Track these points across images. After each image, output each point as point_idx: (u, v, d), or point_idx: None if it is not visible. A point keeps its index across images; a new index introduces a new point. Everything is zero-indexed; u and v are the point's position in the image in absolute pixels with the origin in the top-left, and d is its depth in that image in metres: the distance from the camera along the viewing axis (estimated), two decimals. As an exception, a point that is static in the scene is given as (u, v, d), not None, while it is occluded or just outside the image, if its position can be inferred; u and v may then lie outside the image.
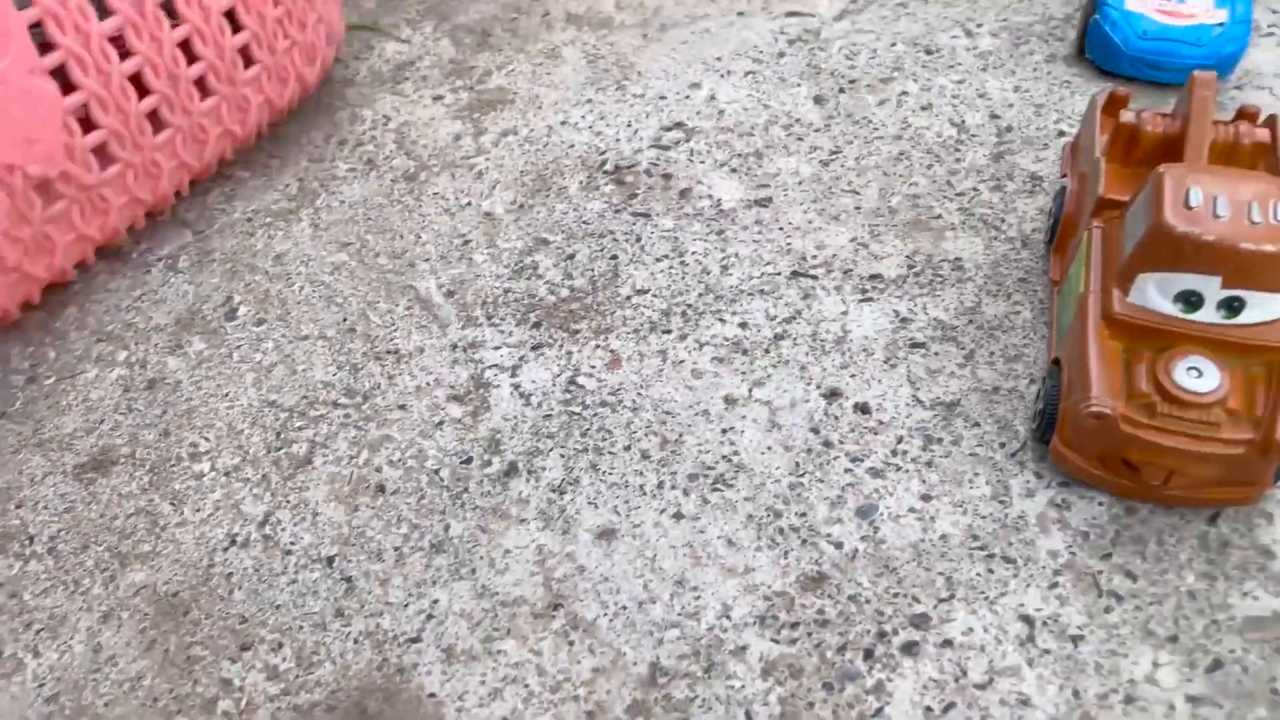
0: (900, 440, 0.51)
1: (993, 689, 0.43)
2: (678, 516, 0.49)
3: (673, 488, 0.50)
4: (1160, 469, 0.45)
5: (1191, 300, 0.45)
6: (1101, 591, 0.46)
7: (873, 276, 0.58)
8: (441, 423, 0.53)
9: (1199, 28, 0.66)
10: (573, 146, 0.66)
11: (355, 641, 0.46)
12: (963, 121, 0.67)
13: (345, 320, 0.58)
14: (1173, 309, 0.45)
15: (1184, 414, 0.44)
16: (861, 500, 0.49)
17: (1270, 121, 0.52)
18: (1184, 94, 0.52)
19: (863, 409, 0.52)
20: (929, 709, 0.43)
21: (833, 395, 0.53)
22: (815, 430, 0.52)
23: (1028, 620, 0.45)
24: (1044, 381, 0.50)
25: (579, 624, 0.46)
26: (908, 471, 0.50)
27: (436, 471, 0.51)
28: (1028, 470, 0.50)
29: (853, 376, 0.54)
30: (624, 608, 0.46)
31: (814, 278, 0.58)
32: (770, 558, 0.47)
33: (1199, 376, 0.44)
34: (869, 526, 0.48)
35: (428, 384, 0.54)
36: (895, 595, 0.46)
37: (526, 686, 0.44)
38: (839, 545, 0.48)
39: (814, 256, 0.59)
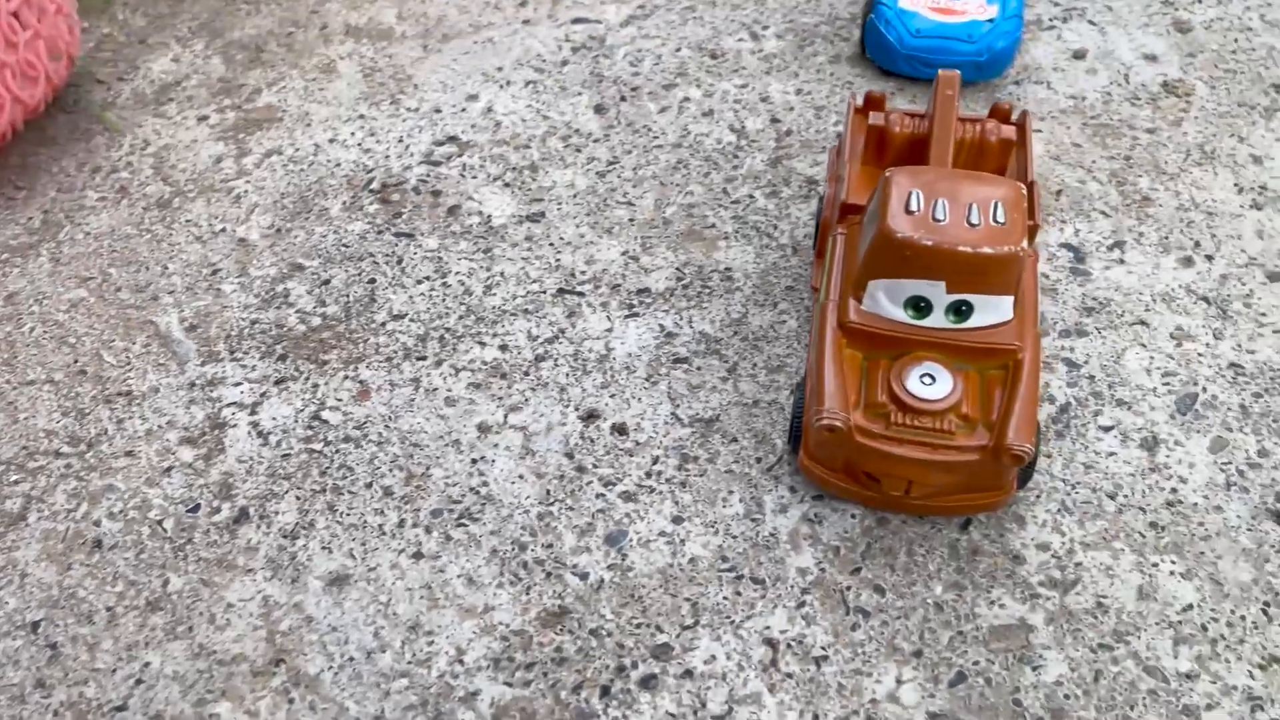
0: (656, 461, 0.49)
1: (731, 719, 0.42)
2: (417, 556, 0.46)
3: (414, 525, 0.47)
4: (899, 479, 0.44)
5: (920, 306, 0.44)
6: (849, 608, 0.45)
7: (640, 291, 0.56)
8: (170, 468, 0.49)
9: (970, 24, 0.65)
10: (339, 165, 0.63)
11: (55, 714, 0.42)
12: (743, 127, 0.65)
13: (76, 362, 0.54)
14: (903, 315, 0.44)
15: (918, 422, 0.43)
16: (611, 527, 0.47)
17: (1021, 118, 0.51)
18: (931, 93, 0.51)
19: (620, 430, 0.51)
20: (663, 746, 0.41)
21: (590, 417, 0.51)
22: (569, 455, 0.50)
23: (772, 644, 0.44)
24: (794, 393, 0.48)
25: (301, 680, 0.43)
26: (661, 493, 0.48)
27: (160, 522, 0.48)
28: (782, 485, 0.48)
29: (612, 396, 0.52)
30: (351, 659, 0.43)
31: (581, 294, 0.56)
32: (511, 594, 0.45)
33: (931, 383, 0.43)
34: (617, 554, 0.46)
35: (159, 427, 0.51)
36: (638, 626, 0.44)
37: (239, 752, 0.41)
38: (584, 576, 0.46)
39: (583, 272, 0.57)
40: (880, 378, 0.44)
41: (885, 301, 0.44)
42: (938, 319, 0.44)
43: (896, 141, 0.51)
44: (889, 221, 0.42)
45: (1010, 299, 0.43)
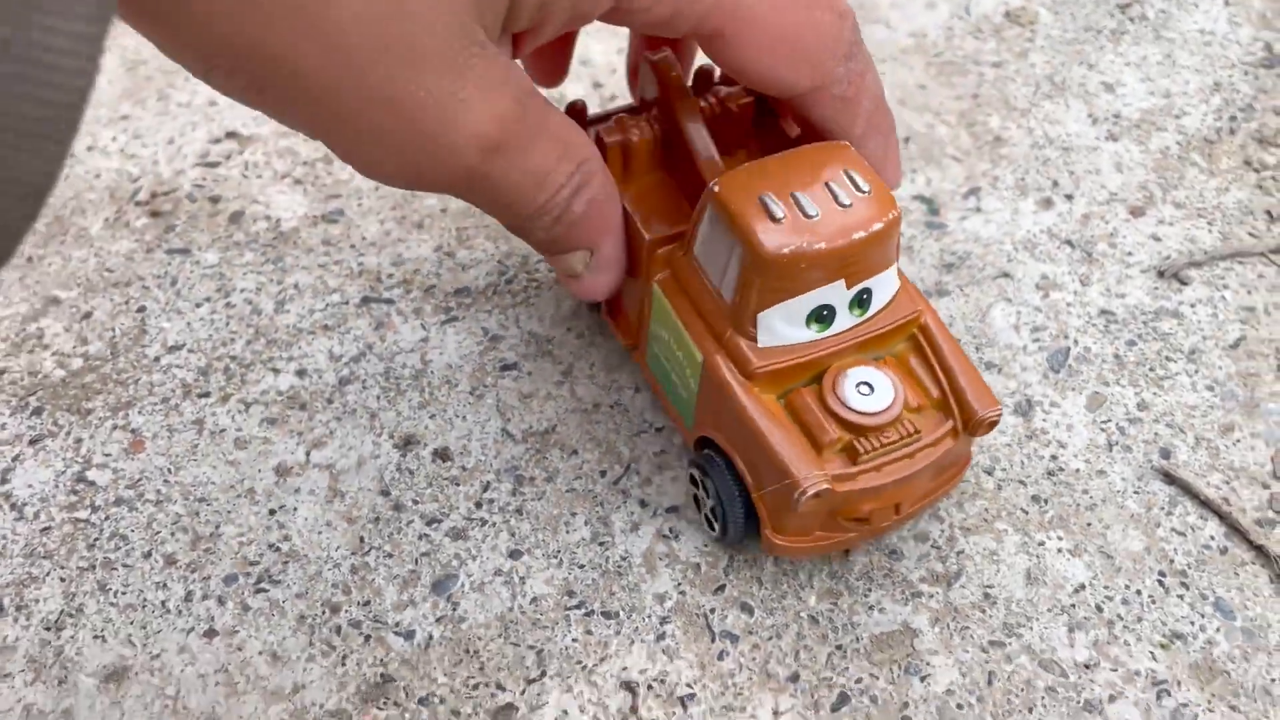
0: (487, 487, 0.43)
1: (589, 786, 0.36)
2: (210, 634, 0.39)
3: (205, 597, 0.40)
4: (888, 508, 0.38)
5: (824, 315, 0.37)
6: (714, 634, 0.39)
7: (458, 291, 0.50)
8: (-99, 562, 0.41)
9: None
10: (98, 176, 0.55)
11: None
12: (560, 95, 0.59)
13: None
14: (808, 333, 0.37)
15: (884, 440, 0.37)
16: (439, 571, 0.41)
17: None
18: (643, 81, 0.43)
19: (443, 455, 0.44)
20: (512, 829, 0.35)
21: (408, 444, 0.44)
22: (385, 492, 0.43)
23: (631, 688, 0.38)
24: (696, 472, 0.41)
25: (72, 806, 0.36)
26: (495, 525, 0.42)
27: (-112, 631, 0.39)
28: (631, 500, 0.43)
29: (432, 417, 0.45)
30: (134, 771, 0.36)
31: (389, 301, 0.49)
32: (324, 668, 0.38)
33: (871, 392, 0.37)
34: (447, 604, 0.40)
35: (-113, 512, 0.42)
36: (476, 687, 0.38)
37: None
38: (409, 635, 0.39)
39: (390, 275, 0.50)
40: (814, 411, 0.37)
41: (785, 328, 0.37)
42: (843, 320, 0.38)
43: (641, 152, 0.42)
44: (763, 241, 0.35)
45: (895, 266, 0.38)
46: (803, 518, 0.37)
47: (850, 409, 0.37)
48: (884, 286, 0.38)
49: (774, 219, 0.35)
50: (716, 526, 0.40)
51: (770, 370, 0.37)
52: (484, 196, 0.34)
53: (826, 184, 0.36)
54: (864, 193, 0.36)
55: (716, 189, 0.36)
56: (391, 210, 0.53)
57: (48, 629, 0.39)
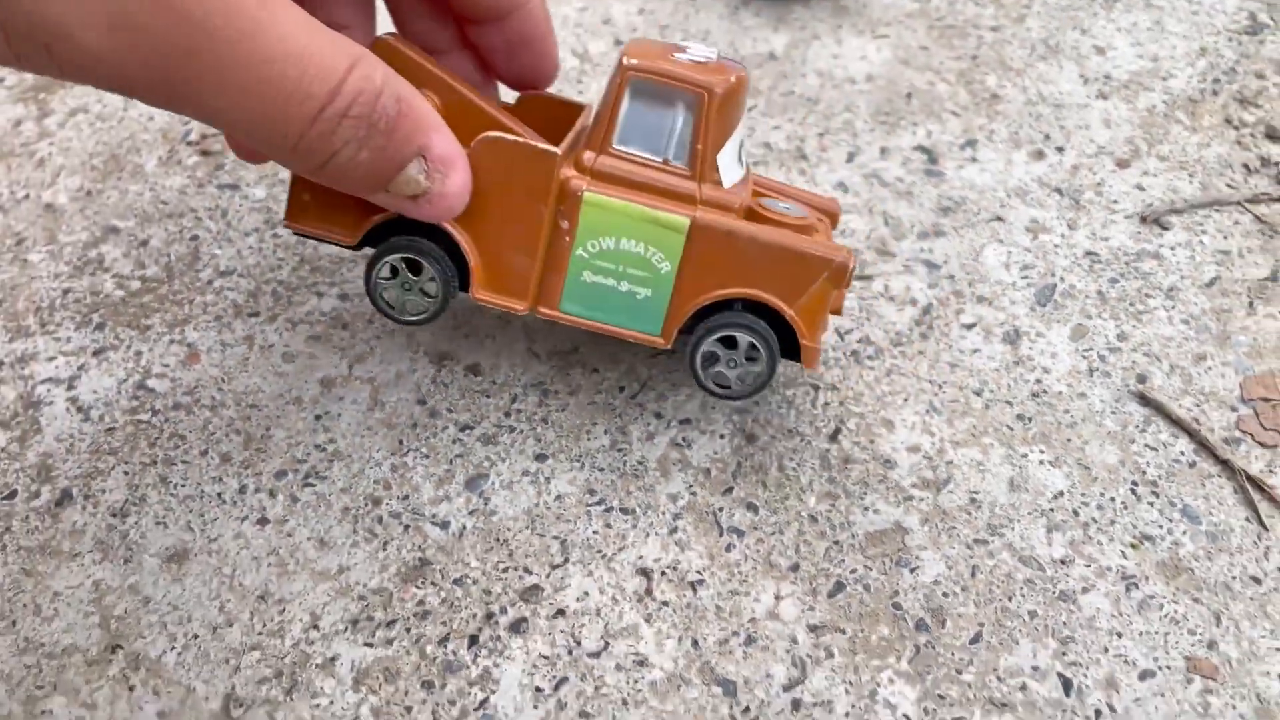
0: (515, 399, 0.47)
1: (608, 654, 0.40)
2: (262, 522, 0.43)
3: (257, 490, 0.44)
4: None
5: (739, 152, 0.42)
6: (722, 530, 0.43)
7: (487, 225, 0.53)
8: (-20, 455, 0.45)
9: (809, -69, 0.63)
10: (152, 119, 0.59)
11: None
12: (585, 50, 0.63)
13: None
14: (741, 169, 0.42)
15: (822, 235, 0.42)
16: (471, 471, 0.45)
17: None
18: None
19: (474, 370, 0.48)
20: (539, 690, 0.39)
21: (442, 360, 0.48)
22: (422, 402, 0.47)
23: (646, 573, 0.42)
24: (720, 336, 0.41)
25: (141, 664, 0.39)
26: (522, 432, 0.46)
27: (-29, 513, 0.43)
28: (648, 412, 0.46)
29: (465, 337, 0.49)
30: (196, 637, 0.40)
31: (423, 234, 0.53)
32: (367, 552, 0.42)
33: (790, 207, 0.43)
34: (479, 499, 0.44)
35: (-35, 412, 0.46)
36: (505, 570, 0.42)
37: (75, 750, 0.38)
38: (445, 525, 0.43)
39: (424, 211, 0.54)
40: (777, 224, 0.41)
41: (731, 167, 0.40)
42: (741, 160, 0.42)
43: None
44: (709, 82, 0.38)
45: None
46: (823, 311, 0.40)
47: (793, 217, 0.41)
48: None
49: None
50: (742, 375, 0.41)
51: (745, 205, 0.40)
52: (311, 142, 0.32)
53: (684, 53, 0.40)
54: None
55: (634, 63, 0.38)
56: (425, 154, 0.57)
57: (114, 515, 0.43)
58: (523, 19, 0.41)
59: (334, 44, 0.31)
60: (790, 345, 0.41)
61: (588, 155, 0.39)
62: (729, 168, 0.40)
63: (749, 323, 0.40)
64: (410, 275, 0.41)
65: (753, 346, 0.41)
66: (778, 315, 0.41)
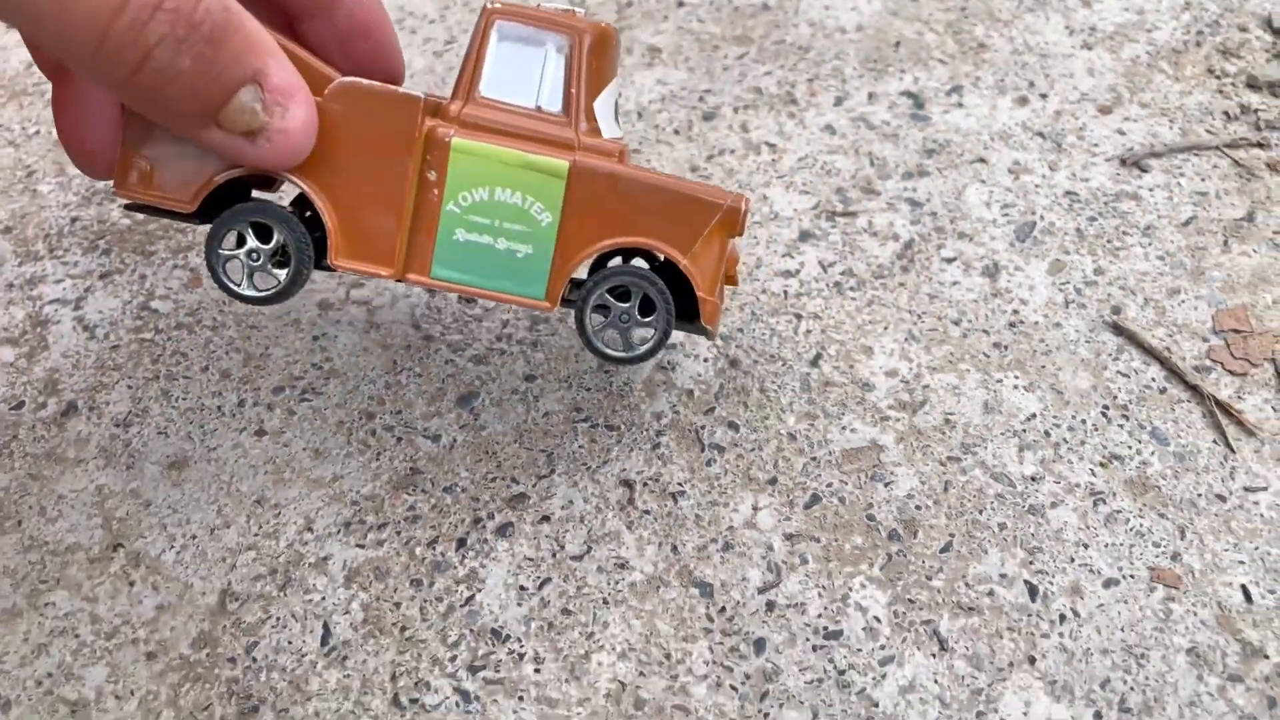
0: (505, 325, 0.48)
1: (590, 558, 0.41)
2: (260, 433, 0.45)
3: (255, 404, 0.46)
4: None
5: (618, 111, 0.40)
6: (704, 446, 0.44)
7: (483, 163, 0.55)
8: (-11, 369, 0.47)
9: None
10: (159, 61, 0.60)
11: (-127, 621, 0.40)
12: (586, 2, 0.64)
13: (-120, 272, 0.50)
14: (618, 129, 0.40)
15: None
16: (462, 389, 0.46)
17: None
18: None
19: (468, 300, 0.49)
20: (523, 588, 0.40)
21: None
22: (416, 326, 0.48)
23: (628, 484, 0.43)
24: (613, 285, 0.38)
25: (141, 562, 0.41)
26: (512, 354, 0.47)
27: (-20, 422, 0.45)
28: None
29: (458, 266, 0.50)
30: (194, 537, 0.42)
31: (421, 171, 0.55)
32: (361, 462, 0.44)
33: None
34: (469, 414, 0.45)
35: (-25, 329, 0.48)
36: (493, 480, 0.43)
37: (77, 636, 0.39)
38: (436, 438, 0.45)
39: (422, 149, 0.55)
40: None
41: (608, 124, 0.38)
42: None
43: None
44: (584, 26, 0.36)
45: None
46: (721, 267, 0.37)
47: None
48: None
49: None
50: (638, 335, 0.38)
51: (625, 153, 0.37)
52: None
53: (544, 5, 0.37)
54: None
55: (498, 5, 0.36)
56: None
57: (117, 425, 0.45)
58: (352, 5, 0.38)
59: None
60: (685, 306, 0.38)
61: (454, 105, 0.36)
62: (606, 122, 0.37)
63: (641, 273, 0.37)
64: (259, 243, 0.36)
65: (646, 300, 0.37)
66: (671, 270, 0.38)
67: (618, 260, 0.41)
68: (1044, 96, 0.58)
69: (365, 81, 0.35)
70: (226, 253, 0.36)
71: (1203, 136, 0.55)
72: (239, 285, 0.37)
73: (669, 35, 0.61)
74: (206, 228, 0.36)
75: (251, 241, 0.36)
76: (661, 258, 0.40)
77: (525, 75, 0.36)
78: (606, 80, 0.37)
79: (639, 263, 0.41)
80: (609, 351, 0.38)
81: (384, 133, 0.35)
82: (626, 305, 0.37)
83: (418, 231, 0.36)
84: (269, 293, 0.37)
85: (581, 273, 0.40)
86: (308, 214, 0.37)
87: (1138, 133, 0.56)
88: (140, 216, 0.52)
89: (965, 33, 0.61)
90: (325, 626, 0.39)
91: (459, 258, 0.37)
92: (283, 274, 0.36)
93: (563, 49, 0.36)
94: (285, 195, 0.43)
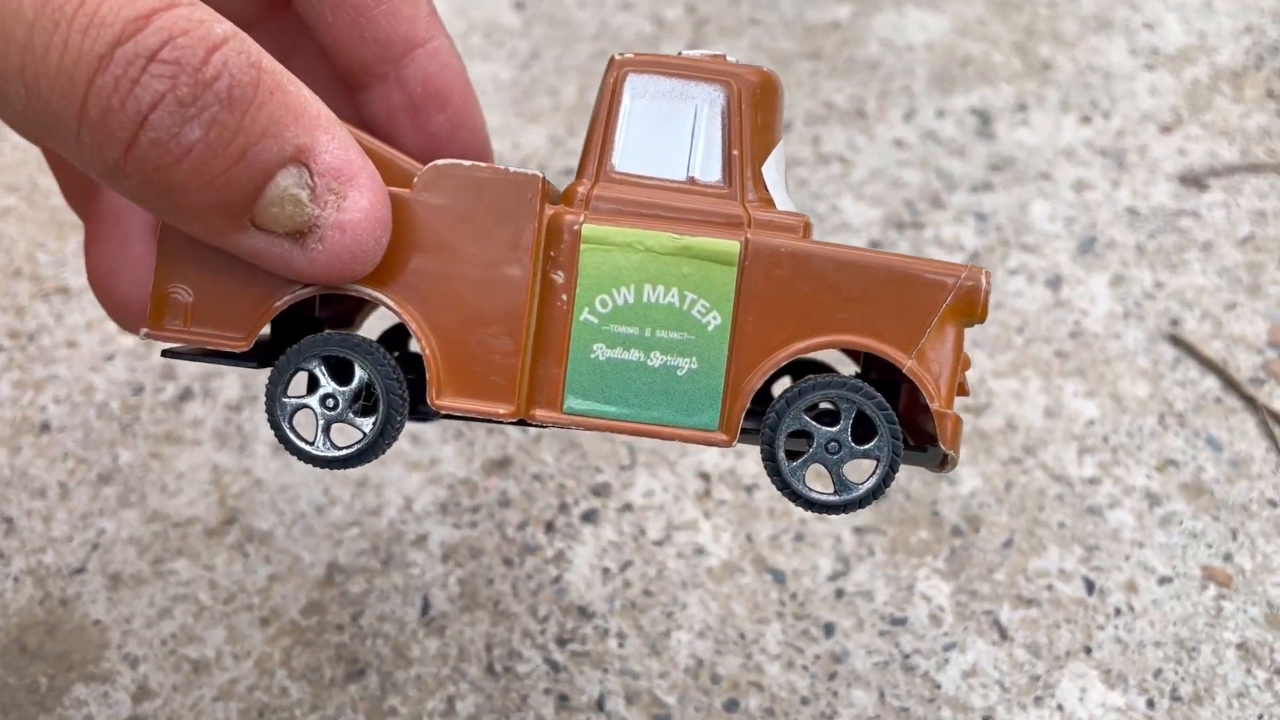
0: (589, 323, 0.51)
1: (670, 543, 0.44)
2: (361, 419, 0.48)
3: (357, 392, 0.49)
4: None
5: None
6: (777, 442, 0.47)
7: (567, 171, 0.58)
8: (112, 355, 0.50)
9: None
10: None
11: (15, 580, 0.43)
12: (661, 18, 0.67)
13: (11, 264, 0.54)
14: (789, 202, 0.31)
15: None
16: (548, 384, 0.49)
17: None
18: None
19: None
20: (607, 570, 0.43)
21: (523, 287, 0.53)
22: (504, 322, 0.51)
23: (705, 477, 0.46)
24: (812, 413, 0.28)
25: (254, 536, 0.44)
26: (595, 352, 0.50)
27: (105, 404, 0.49)
28: (711, 338, 0.51)
29: (544, 268, 0.54)
30: (302, 514, 0.45)
31: (508, 177, 0.58)
32: (455, 448, 0.47)
33: None
34: (555, 408, 0.48)
35: (99, 318, 0.52)
36: (578, 469, 0.46)
37: (198, 602, 0.43)
38: (525, 429, 0.48)
39: (510, 156, 0.59)
40: None
41: (777, 185, 0.30)
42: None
43: None
44: (745, 73, 0.28)
45: None
46: (953, 362, 0.28)
47: None
48: None
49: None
50: (857, 472, 0.28)
51: (809, 228, 0.29)
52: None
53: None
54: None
55: (629, 56, 0.29)
56: (510, 105, 0.62)
57: (229, 409, 0.48)
58: (426, 61, 0.30)
59: None
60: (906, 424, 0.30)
61: (582, 185, 0.28)
62: (778, 191, 0.29)
63: (851, 384, 0.27)
64: (336, 385, 0.28)
65: (862, 419, 0.27)
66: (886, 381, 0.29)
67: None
68: (1107, 116, 0.60)
69: (466, 163, 0.27)
70: (294, 401, 0.28)
71: (1261, 157, 0.57)
72: (312, 444, 0.28)
73: (744, 52, 0.64)
74: (268, 371, 0.28)
75: (326, 384, 0.27)
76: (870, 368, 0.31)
77: (672, 141, 0.28)
78: (774, 139, 0.29)
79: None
80: (816, 496, 0.28)
81: (493, 227, 0.27)
82: (834, 430, 0.27)
83: (544, 353, 0.28)
84: (350, 451, 0.28)
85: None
86: (396, 353, 0.30)
87: (1198, 152, 0.58)
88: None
89: (1031, 53, 0.63)
90: (424, 599, 0.42)
91: (601, 382, 0.28)
92: (368, 424, 0.27)
93: (716, 103, 0.28)
94: (372, 331, 0.38)
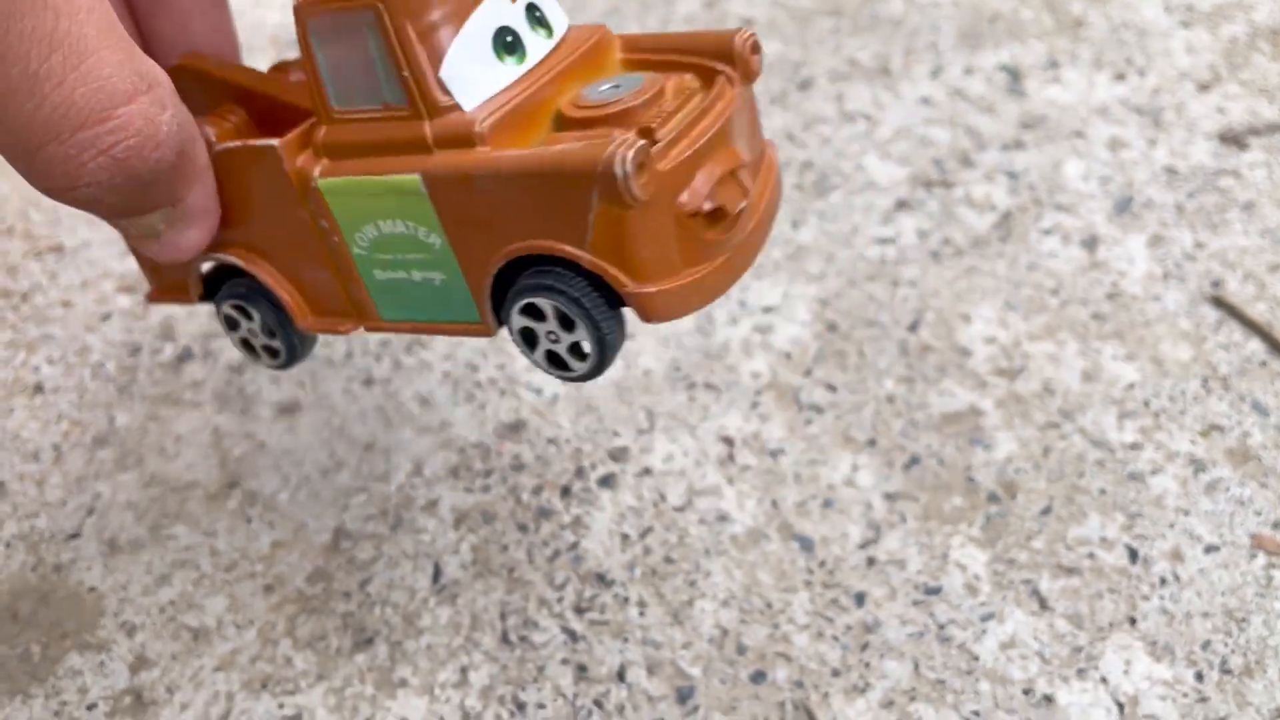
0: (605, 284, 0.49)
1: (691, 509, 0.42)
2: (368, 382, 0.46)
3: (363, 354, 0.47)
4: (731, 184, 0.28)
5: (510, 43, 0.29)
6: (801, 406, 0.45)
7: (580, 129, 0.56)
8: (109, 315, 0.48)
9: None
10: (263, 26, 0.62)
11: (7, 546, 0.41)
12: (676, -26, 0.65)
13: (3, 223, 0.52)
14: (508, 67, 0.28)
15: (666, 109, 0.28)
16: (563, 345, 0.47)
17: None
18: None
19: (567, 257, 0.50)
20: (626, 536, 0.41)
21: (536, 247, 0.51)
22: (517, 283, 0.49)
23: (728, 441, 0.44)
24: (524, 302, 0.28)
25: (258, 500, 0.42)
26: (612, 313, 0.48)
27: (101, 365, 0.47)
28: (732, 300, 0.49)
29: (557, 227, 0.51)
30: (307, 478, 0.43)
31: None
32: (467, 411, 0.45)
33: (619, 86, 0.29)
34: (570, 370, 0.46)
35: (94, 278, 0.50)
36: (595, 433, 0.44)
37: (198, 568, 0.41)
38: (539, 391, 0.46)
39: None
40: (581, 129, 0.28)
41: (479, 71, 0.28)
42: (536, 47, 0.29)
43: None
44: None
45: None
46: (659, 237, 0.27)
47: (610, 103, 0.28)
48: (551, 4, 0.30)
49: None
50: (577, 351, 0.29)
51: (499, 120, 0.28)
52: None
53: None
54: None
55: (300, 1, 0.28)
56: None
57: (231, 371, 0.46)
58: None
59: (128, 58, 0.25)
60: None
61: (319, 132, 0.29)
62: (471, 76, 0.28)
63: (540, 286, 0.28)
64: (248, 321, 0.34)
65: (558, 311, 0.28)
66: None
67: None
68: (1142, 73, 0.57)
69: (232, 145, 0.30)
70: (231, 333, 0.35)
71: (1305, 115, 0.55)
72: (259, 358, 0.35)
73: (763, 8, 0.62)
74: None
75: (244, 321, 0.34)
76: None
77: (364, 70, 0.28)
78: (457, 22, 0.28)
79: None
80: (560, 374, 0.30)
81: (270, 189, 0.30)
82: (546, 325, 0.28)
83: (348, 280, 0.31)
84: (281, 361, 0.35)
85: None
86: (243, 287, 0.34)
87: (1237, 111, 0.55)
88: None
89: (1062, 9, 0.61)
90: (436, 566, 0.40)
91: (394, 298, 0.31)
92: (278, 343, 0.34)
93: (374, 27, 0.27)
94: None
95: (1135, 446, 0.43)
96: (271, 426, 0.45)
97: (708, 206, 0.27)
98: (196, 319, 0.48)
